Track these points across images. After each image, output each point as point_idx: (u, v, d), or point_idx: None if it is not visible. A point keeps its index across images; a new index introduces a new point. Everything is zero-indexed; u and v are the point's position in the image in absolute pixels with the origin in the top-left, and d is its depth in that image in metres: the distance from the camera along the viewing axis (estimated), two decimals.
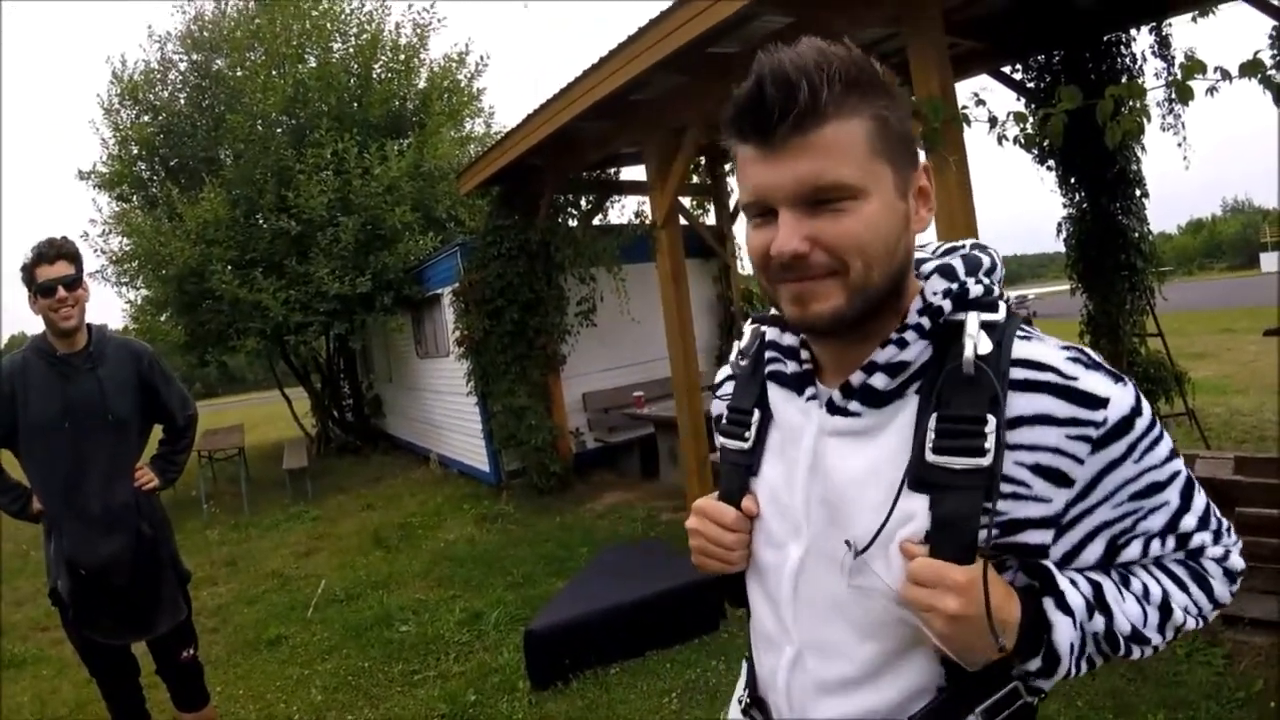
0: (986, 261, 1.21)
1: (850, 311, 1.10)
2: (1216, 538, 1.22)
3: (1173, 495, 1.17)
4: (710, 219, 12.51)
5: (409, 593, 7.40)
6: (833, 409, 1.21)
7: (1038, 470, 1.09)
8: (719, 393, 1.52)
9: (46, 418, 3.66)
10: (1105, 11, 7.00)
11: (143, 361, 3.96)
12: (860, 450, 1.18)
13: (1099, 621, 1.12)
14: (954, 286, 1.15)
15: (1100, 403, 1.08)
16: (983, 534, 1.07)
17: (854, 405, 1.18)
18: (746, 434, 1.36)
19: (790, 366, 1.29)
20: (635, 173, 11.42)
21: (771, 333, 1.35)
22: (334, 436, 18.69)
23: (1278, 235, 65.82)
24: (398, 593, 7.44)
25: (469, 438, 12.23)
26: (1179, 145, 7.47)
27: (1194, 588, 1.20)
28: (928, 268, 1.22)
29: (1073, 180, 8.31)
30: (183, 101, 16.58)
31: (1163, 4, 6.98)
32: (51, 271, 3.60)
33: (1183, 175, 7.32)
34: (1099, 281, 8.42)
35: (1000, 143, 5.19)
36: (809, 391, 1.25)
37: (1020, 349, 1.12)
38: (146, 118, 16.39)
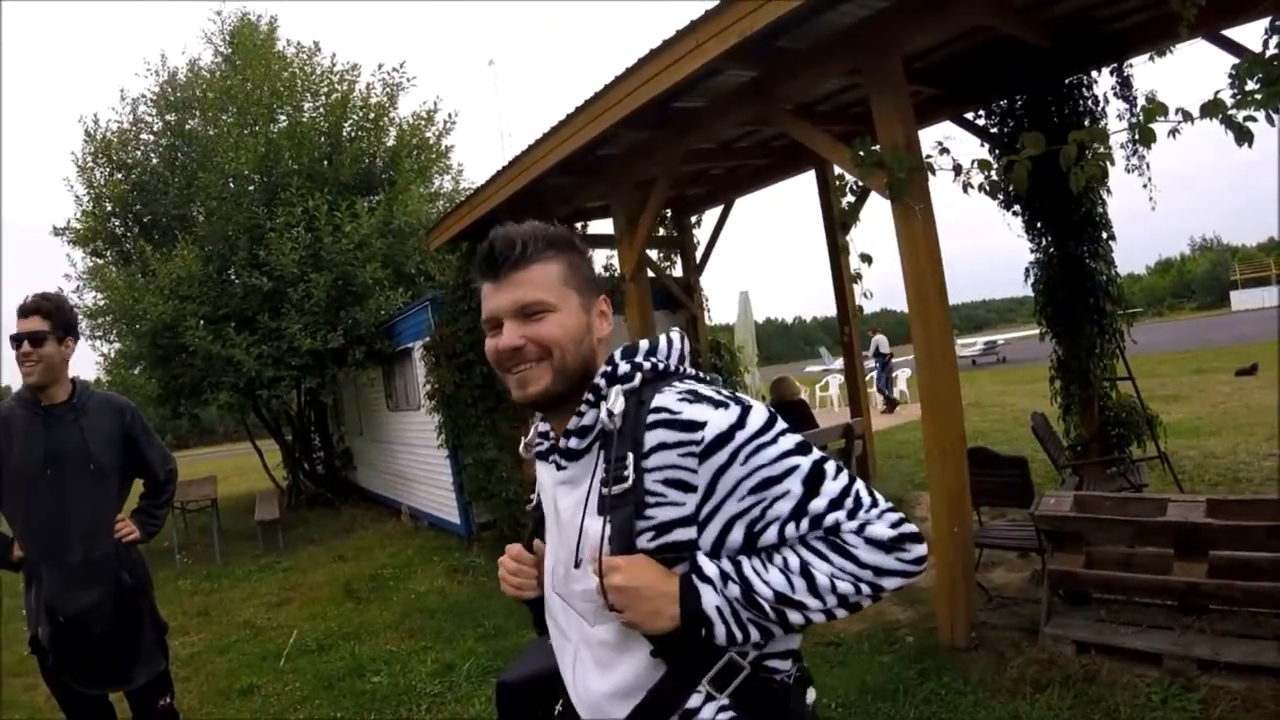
0: (644, 345, 1.70)
1: (555, 388, 1.64)
2: (852, 514, 1.52)
3: (793, 485, 1.52)
4: (678, 270, 12.57)
5: (380, 644, 7.34)
6: (558, 467, 1.74)
7: (667, 483, 1.52)
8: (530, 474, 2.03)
9: (29, 465, 3.69)
10: (1066, 55, 7.07)
11: (125, 416, 4.03)
12: (572, 493, 1.69)
13: (734, 589, 1.50)
14: (609, 369, 1.66)
15: (698, 426, 1.51)
16: (646, 536, 1.53)
17: (563, 462, 1.72)
18: (533, 498, 1.96)
19: (543, 445, 1.83)
20: (603, 226, 11.47)
21: (538, 427, 1.88)
22: (305, 489, 18.55)
23: (1250, 272, 66.48)
24: (369, 643, 7.39)
25: (440, 490, 12.18)
26: (1144, 186, 7.53)
27: (835, 556, 1.51)
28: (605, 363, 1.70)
29: (1039, 225, 8.34)
30: (155, 160, 16.63)
31: (1122, 46, 7.08)
32: (23, 325, 3.66)
33: (1150, 215, 7.38)
34: (1068, 326, 8.44)
35: (965, 190, 5.24)
36: (551, 459, 1.78)
37: (655, 400, 1.57)
38: (120, 175, 16.40)
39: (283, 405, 18.05)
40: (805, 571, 1.50)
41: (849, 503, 1.53)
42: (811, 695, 1.68)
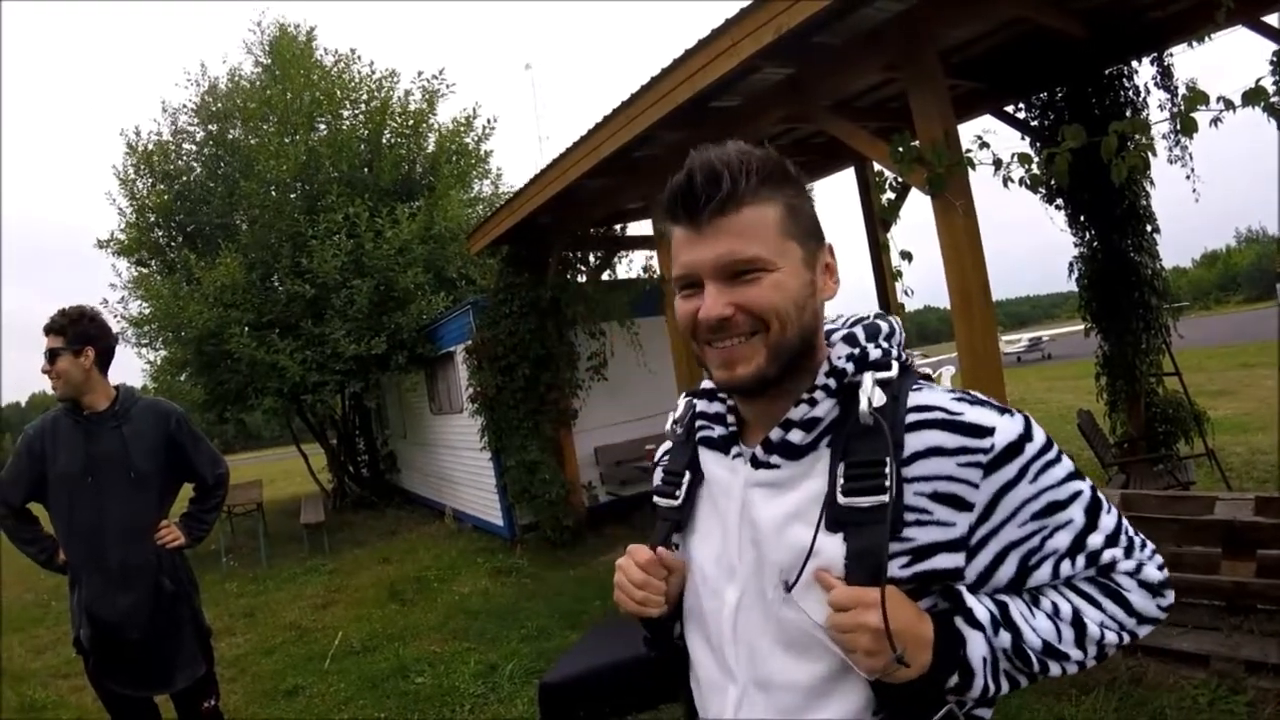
0: (885, 328, 1.38)
1: (771, 369, 1.27)
2: (1128, 553, 1.30)
3: (1076, 513, 1.26)
4: None
5: (424, 645, 7.38)
6: (756, 463, 1.35)
7: (936, 497, 1.22)
8: (658, 458, 1.66)
9: (71, 473, 3.77)
10: (1105, 45, 6.95)
11: (170, 421, 4.07)
12: (782, 498, 1.32)
13: (1005, 637, 1.21)
14: (855, 351, 1.32)
15: (986, 431, 1.22)
16: (899, 561, 1.21)
17: (775, 459, 1.33)
18: (677, 493, 1.51)
19: (718, 431, 1.45)
20: (643, 227, 11.47)
21: (701, 404, 1.51)
22: (350, 492, 18.75)
23: None
24: (413, 645, 7.43)
25: (483, 492, 12.23)
26: (1187, 177, 7.38)
27: (1107, 602, 1.29)
28: (835, 337, 1.37)
29: (1082, 219, 8.26)
30: (198, 169, 16.92)
31: (1161, 35, 6.96)
32: (48, 342, 3.80)
33: (1194, 207, 7.23)
34: (1113, 321, 8.35)
35: (1006, 185, 5.19)
36: (734, 450, 1.41)
37: (915, 398, 1.28)
38: (162, 186, 16.67)
39: (327, 409, 18.18)
40: (1077, 620, 1.26)
41: (1123, 540, 1.31)
42: None
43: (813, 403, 1.30)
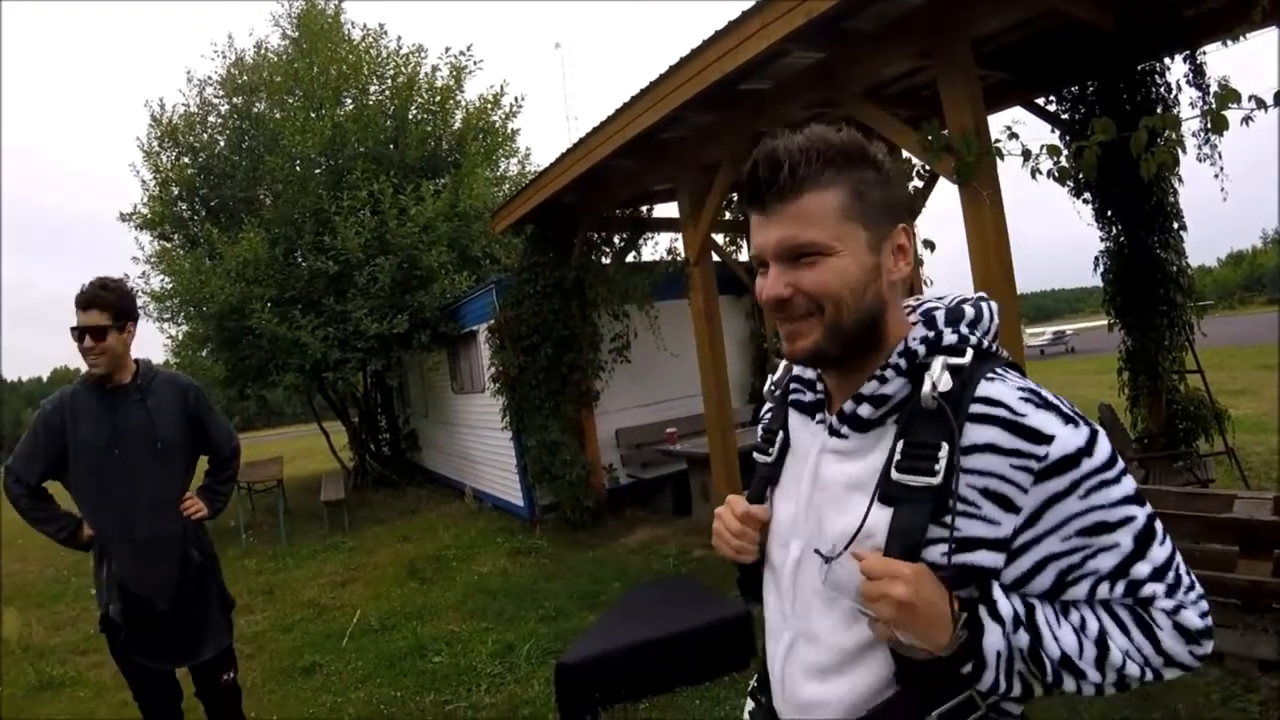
0: (971, 313, 1.41)
1: (828, 347, 1.36)
2: (1170, 592, 1.29)
3: (1124, 538, 1.27)
4: (743, 255, 12.46)
5: (442, 624, 7.42)
6: (832, 432, 1.46)
7: (986, 494, 1.26)
8: (762, 414, 1.77)
9: (96, 445, 3.77)
10: (1137, 41, 6.92)
11: (189, 395, 4.10)
12: (847, 467, 1.41)
13: (1024, 638, 1.26)
14: (930, 334, 1.37)
15: (1045, 439, 1.24)
16: (942, 549, 1.26)
17: (845, 430, 1.43)
18: (771, 450, 1.62)
19: (808, 396, 1.55)
20: (668, 209, 11.46)
21: (798, 369, 1.59)
22: (370, 470, 18.74)
23: None
24: (431, 624, 7.47)
25: (503, 472, 12.26)
26: (1216, 176, 7.33)
27: (1136, 632, 1.29)
28: (917, 314, 1.45)
29: (1109, 213, 8.22)
30: (222, 143, 16.92)
31: (1195, 33, 6.92)
32: (82, 319, 3.73)
33: (1222, 206, 7.19)
34: (1137, 317, 8.33)
35: (1034, 176, 5.16)
36: (819, 417, 1.51)
37: (984, 389, 1.30)
38: (186, 159, 16.70)
39: (349, 387, 18.29)
40: (1101, 641, 1.28)
41: (1170, 577, 1.30)
42: None
43: (883, 380, 1.37)
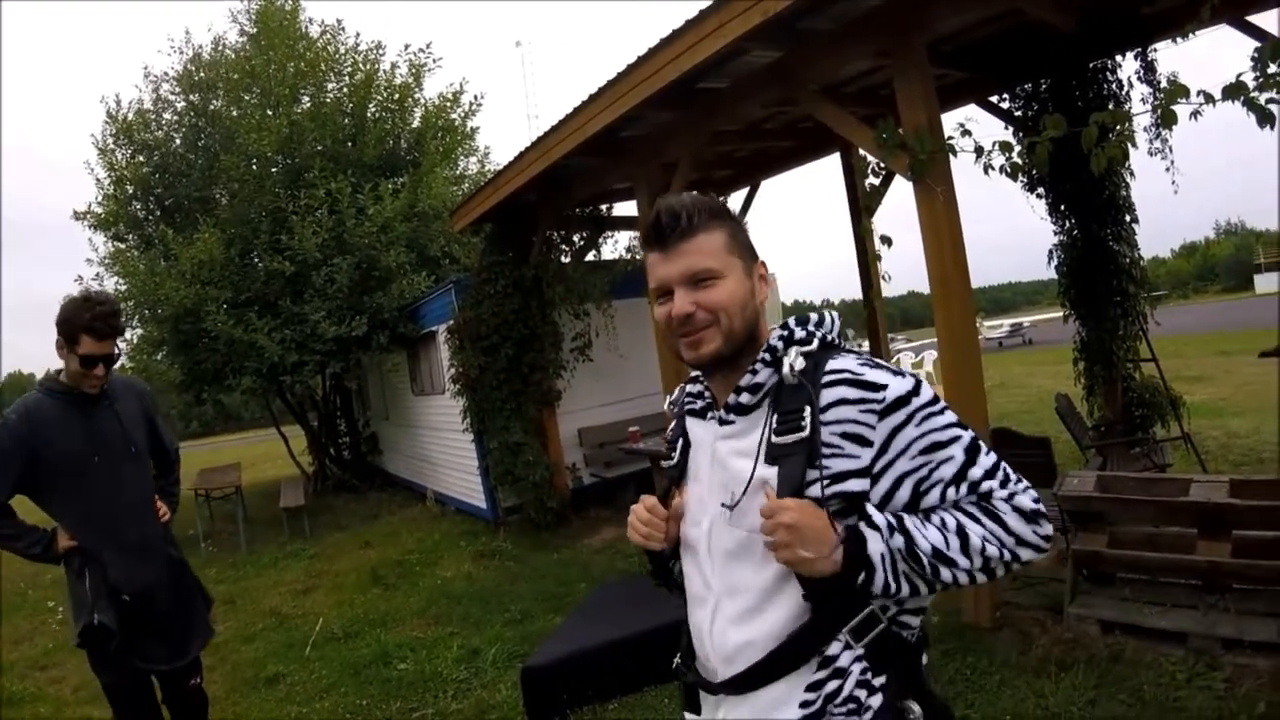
0: (815, 319, 1.80)
1: (725, 349, 1.73)
2: (1004, 484, 1.65)
3: (956, 451, 1.64)
4: None
5: (407, 630, 7.38)
6: (722, 422, 1.82)
7: (845, 436, 1.62)
8: (667, 434, 2.12)
9: (75, 455, 3.73)
10: (1090, 39, 7.02)
11: (145, 398, 4.14)
12: (737, 443, 1.78)
13: (899, 540, 1.58)
14: (785, 333, 1.77)
15: (881, 387, 1.63)
16: (819, 485, 1.60)
17: (732, 417, 1.80)
18: (674, 454, 2.00)
19: (699, 403, 1.94)
20: (627, 208, 11.44)
21: (688, 388, 2.01)
22: (331, 474, 18.58)
23: (1274, 256, 66.21)
24: (395, 630, 7.43)
25: (465, 475, 12.19)
26: (1167, 170, 7.48)
27: (986, 520, 1.62)
28: (775, 325, 1.82)
29: (1062, 207, 8.36)
30: (178, 141, 16.64)
31: (1146, 30, 7.03)
32: (99, 348, 3.67)
33: (1176, 199, 7.35)
34: (1091, 308, 8.48)
35: (986, 172, 5.22)
36: (710, 415, 1.88)
37: (830, 364, 1.68)
38: (141, 157, 16.43)
39: (307, 390, 18.13)
40: (961, 531, 1.60)
41: (999, 475, 1.66)
42: (925, 658, 1.76)
43: (754, 372, 1.75)
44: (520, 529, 10.60)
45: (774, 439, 1.68)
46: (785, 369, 1.69)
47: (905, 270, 6.94)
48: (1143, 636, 4.76)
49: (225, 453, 33.05)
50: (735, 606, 1.75)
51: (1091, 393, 8.82)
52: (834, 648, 1.62)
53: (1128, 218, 8.27)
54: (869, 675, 1.62)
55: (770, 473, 1.67)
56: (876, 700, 1.62)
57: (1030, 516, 1.63)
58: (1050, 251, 8.58)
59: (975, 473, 1.64)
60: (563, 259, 11.00)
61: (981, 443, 1.69)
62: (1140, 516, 5.04)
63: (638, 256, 10.38)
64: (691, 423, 1.97)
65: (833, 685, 1.62)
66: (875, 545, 1.57)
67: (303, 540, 12.72)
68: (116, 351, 3.74)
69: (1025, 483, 1.68)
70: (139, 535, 3.85)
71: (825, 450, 1.62)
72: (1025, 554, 1.63)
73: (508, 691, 5.61)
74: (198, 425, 59.54)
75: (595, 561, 8.76)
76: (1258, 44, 3.99)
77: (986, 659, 4.91)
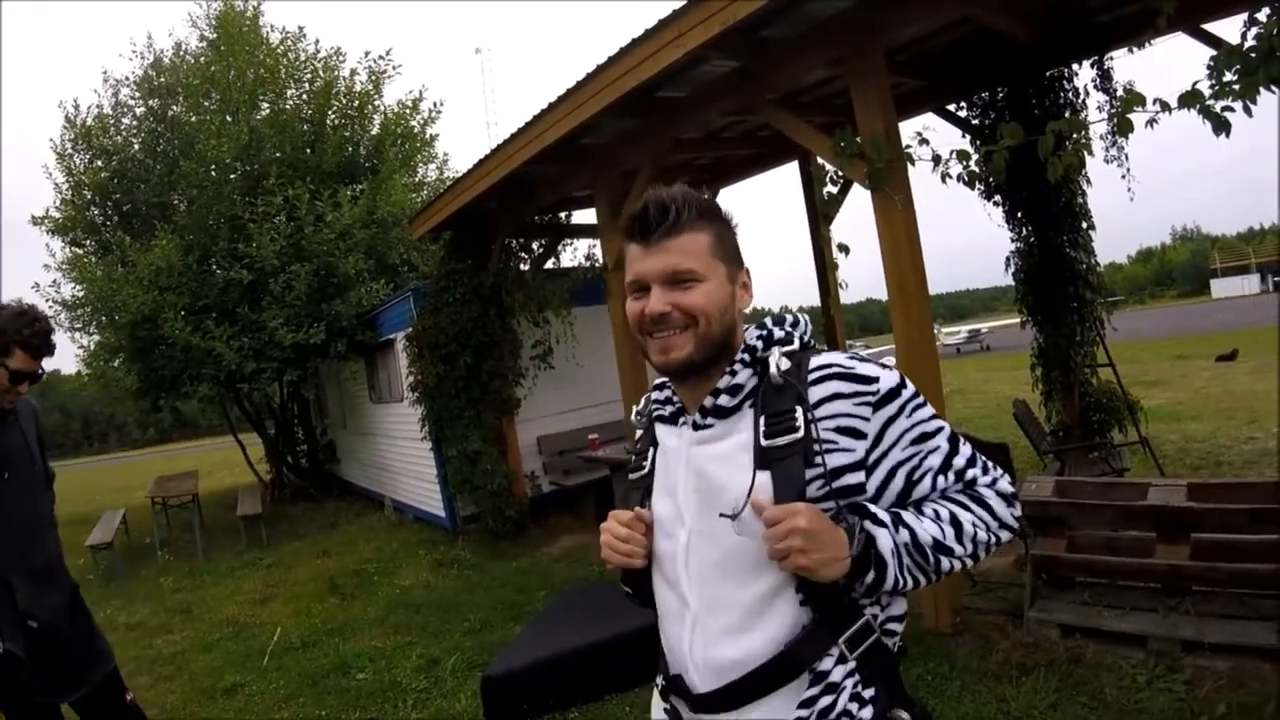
0: (790, 319, 1.79)
1: (697, 355, 1.67)
2: (985, 471, 1.71)
3: (941, 441, 1.67)
4: None
5: (365, 640, 7.31)
6: (696, 427, 1.75)
7: (840, 430, 1.60)
8: (635, 443, 2.05)
9: None
10: (1047, 47, 7.11)
11: (37, 415, 3.91)
12: (716, 448, 1.70)
13: (904, 534, 1.58)
14: (763, 333, 1.74)
15: (873, 379, 1.62)
16: (818, 484, 1.57)
17: (709, 420, 1.72)
18: (644, 463, 1.90)
19: (669, 410, 1.85)
20: (587, 216, 11.40)
21: (655, 394, 1.93)
22: (288, 482, 18.40)
23: (1230, 261, 67.21)
24: (354, 640, 7.35)
25: (424, 483, 12.14)
26: (1123, 177, 7.56)
27: (974, 507, 1.67)
28: (750, 327, 1.78)
29: (1019, 215, 8.44)
30: (136, 146, 16.49)
31: (1102, 38, 7.11)
32: (30, 365, 3.52)
33: (1133, 206, 7.43)
34: (1049, 314, 8.56)
35: (944, 180, 5.26)
36: (681, 420, 1.80)
37: (815, 360, 1.66)
38: (100, 162, 16.27)
39: (265, 398, 17.98)
40: (954, 520, 1.64)
41: (980, 463, 1.71)
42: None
43: (734, 373, 1.70)
44: (479, 537, 10.55)
45: (764, 442, 1.63)
46: (771, 369, 1.65)
47: (864, 277, 6.98)
48: (1103, 640, 4.79)
49: (182, 460, 32.71)
50: (723, 620, 1.66)
51: (1049, 398, 8.88)
52: (826, 663, 1.59)
53: (1084, 224, 8.35)
54: (859, 688, 1.60)
55: (764, 479, 1.61)
56: (868, 713, 1.59)
57: (1010, 499, 1.71)
58: (1008, 258, 8.64)
59: (959, 461, 1.68)
60: (522, 266, 11.00)
61: (958, 433, 1.74)
62: (1099, 520, 5.08)
63: (597, 264, 10.38)
64: (661, 429, 1.88)
65: (825, 701, 1.58)
66: (885, 542, 1.56)
67: (260, 549, 12.60)
68: (41, 372, 3.58)
69: (1000, 469, 1.74)
70: (44, 558, 3.65)
71: (820, 447, 1.58)
72: (1005, 535, 1.70)
73: (467, 701, 5.57)
74: (154, 432, 58.82)
75: (554, 570, 8.73)
76: (1214, 52, 4.04)
77: (947, 664, 4.92)
